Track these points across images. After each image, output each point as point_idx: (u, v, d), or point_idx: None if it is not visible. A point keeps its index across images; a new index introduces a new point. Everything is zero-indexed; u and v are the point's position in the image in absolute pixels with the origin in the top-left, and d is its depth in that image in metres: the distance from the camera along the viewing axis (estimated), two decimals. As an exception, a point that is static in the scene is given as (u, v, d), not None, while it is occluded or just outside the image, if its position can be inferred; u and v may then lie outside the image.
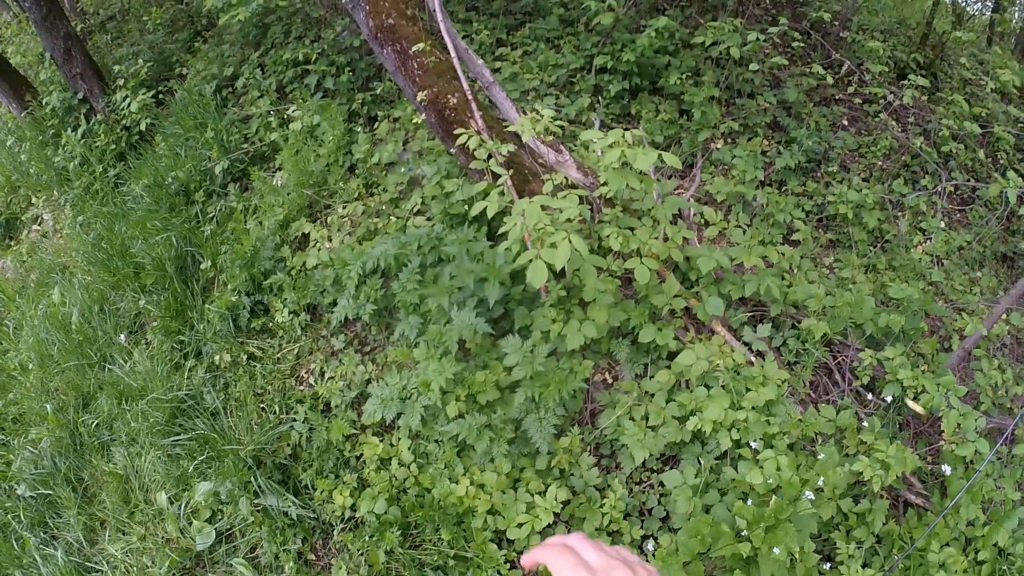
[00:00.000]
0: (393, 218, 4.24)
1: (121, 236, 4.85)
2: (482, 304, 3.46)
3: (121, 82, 5.93)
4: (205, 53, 6.39)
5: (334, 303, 3.95)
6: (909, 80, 4.52)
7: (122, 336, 4.45)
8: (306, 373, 4.01)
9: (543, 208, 2.91)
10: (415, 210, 4.25)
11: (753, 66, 4.65)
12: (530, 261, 2.82)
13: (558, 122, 3.35)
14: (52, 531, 4.04)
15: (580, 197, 3.09)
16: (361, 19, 3.78)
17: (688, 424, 3.10)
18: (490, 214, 3.17)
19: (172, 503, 3.80)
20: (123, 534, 3.85)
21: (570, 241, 2.77)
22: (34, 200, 6.12)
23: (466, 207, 3.91)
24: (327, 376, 3.91)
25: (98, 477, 4.22)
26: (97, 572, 3.74)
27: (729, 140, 4.86)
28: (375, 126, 4.96)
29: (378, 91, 5.15)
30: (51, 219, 5.82)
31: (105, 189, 5.39)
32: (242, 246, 4.21)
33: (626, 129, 3.25)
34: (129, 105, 5.62)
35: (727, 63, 4.92)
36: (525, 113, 3.44)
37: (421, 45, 3.63)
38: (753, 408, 3.10)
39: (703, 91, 4.61)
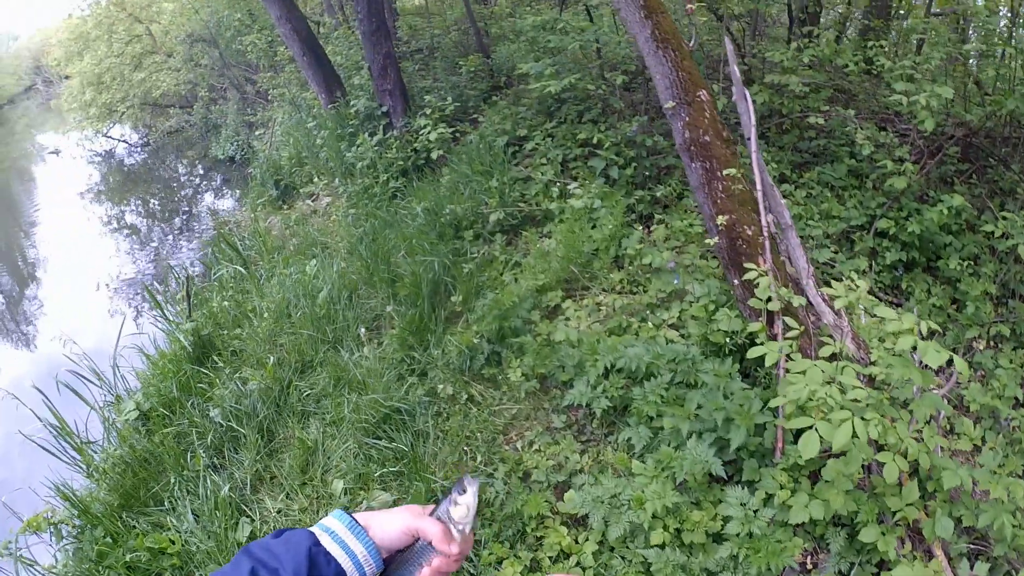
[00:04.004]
0: (649, 323, 4.28)
1: (387, 243, 5.30)
2: (720, 442, 3.38)
3: (428, 111, 6.61)
4: (501, 108, 6.96)
5: (569, 383, 4.01)
6: None
7: (362, 329, 4.80)
8: (516, 436, 4.07)
9: (824, 374, 2.83)
10: (671, 322, 4.28)
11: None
12: (806, 429, 2.73)
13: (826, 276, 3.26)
14: (224, 462, 4.30)
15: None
16: (677, 128, 3.95)
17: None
18: (768, 363, 3.11)
19: (345, 495, 3.94)
20: (287, 497, 4.02)
21: (853, 425, 2.66)
22: (315, 180, 6.87)
23: (727, 339, 3.88)
24: (535, 448, 3.94)
25: (288, 439, 4.48)
26: (248, 518, 3.91)
27: (995, 345, 4.49)
28: (650, 227, 5.11)
29: (658, 193, 5.33)
30: (326, 202, 6.49)
31: (383, 196, 5.95)
32: (501, 298, 4.42)
33: (896, 304, 3.10)
34: (429, 133, 6.23)
35: (1009, 259, 4.60)
36: (812, 263, 3.40)
37: (733, 171, 3.72)
38: None
39: (980, 284, 4.33)
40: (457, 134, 6.63)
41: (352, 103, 7.52)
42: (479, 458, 3.93)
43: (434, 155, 6.14)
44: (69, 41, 15.67)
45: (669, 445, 3.43)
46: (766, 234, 3.61)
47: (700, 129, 3.87)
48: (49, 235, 14.38)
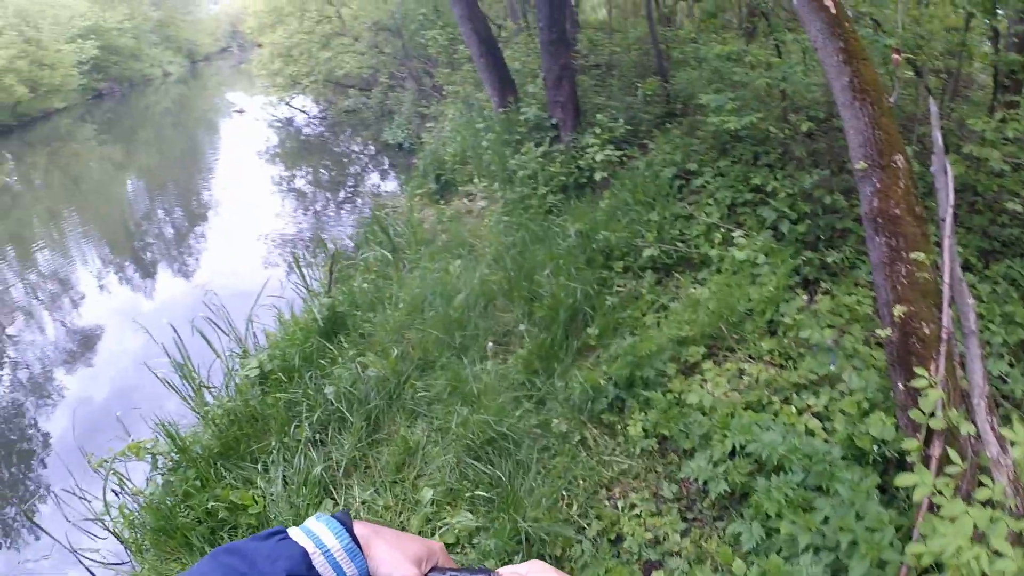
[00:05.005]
0: (793, 407, 3.78)
1: (534, 258, 5.11)
2: (837, 565, 2.92)
3: (597, 130, 6.38)
4: (673, 137, 6.60)
5: (690, 452, 3.66)
6: None
7: (490, 343, 4.63)
8: (620, 494, 3.73)
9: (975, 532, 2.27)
10: (816, 410, 3.75)
11: None
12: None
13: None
14: (326, 440, 4.30)
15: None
16: (866, 193, 3.43)
17: None
18: (916, 498, 2.60)
19: (431, 504, 3.77)
20: (376, 491, 3.92)
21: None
22: (476, 180, 6.86)
23: (875, 447, 3.33)
24: (636, 512, 3.58)
25: (392, 434, 4.39)
26: (333, 500, 3.88)
27: None
28: (814, 295, 4.57)
29: (829, 259, 4.76)
30: (481, 205, 6.45)
31: (538, 208, 5.78)
32: (639, 343, 4.08)
33: None
34: (595, 153, 6.00)
35: None
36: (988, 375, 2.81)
37: (921, 255, 3.16)
38: None
39: None
40: (624, 157, 6.35)
41: (523, 110, 7.45)
42: (575, 507, 3.63)
43: (597, 176, 5.90)
44: (264, 13, 16.92)
45: (780, 553, 3.00)
46: (945, 336, 3.05)
47: (891, 200, 3.34)
48: (224, 184, 15.65)
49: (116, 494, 4.25)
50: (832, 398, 3.71)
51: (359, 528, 0.83)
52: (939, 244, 3.62)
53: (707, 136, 6.33)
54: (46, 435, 6.86)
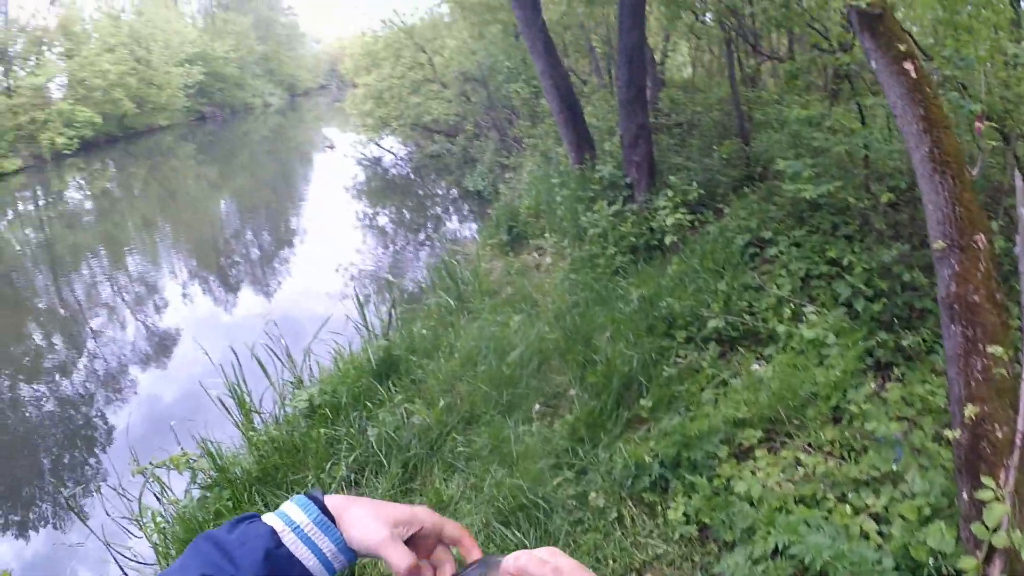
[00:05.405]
0: (848, 506, 3.44)
1: (594, 320, 4.98)
2: None
3: (670, 193, 6.25)
4: (749, 203, 6.37)
5: (731, 546, 3.39)
6: None
7: (537, 405, 4.51)
8: None
9: None
10: (874, 510, 3.40)
11: None
12: None
13: None
14: (361, 481, 4.32)
15: None
16: (943, 276, 3.14)
17: None
18: None
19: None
20: None
21: None
22: (547, 235, 6.84)
23: (931, 560, 2.96)
24: None
25: (426, 485, 4.30)
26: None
27: None
28: (887, 380, 4.22)
29: (904, 342, 4.39)
30: (549, 260, 6.40)
31: (605, 268, 5.68)
32: (689, 423, 3.87)
33: None
34: (667, 216, 5.85)
35: None
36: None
37: (1000, 349, 2.84)
38: None
39: None
40: (696, 222, 6.18)
41: (598, 168, 7.41)
42: None
43: (667, 240, 5.75)
44: (360, 55, 17.81)
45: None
46: (1019, 442, 2.76)
47: (970, 284, 3.05)
48: (310, 214, 16.33)
49: (157, 498, 4.44)
50: (893, 498, 3.37)
51: (332, 500, 0.80)
52: (1021, 330, 3.29)
53: (784, 203, 6.07)
54: (107, 428, 7.28)
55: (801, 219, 5.78)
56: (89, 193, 21.21)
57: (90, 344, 9.63)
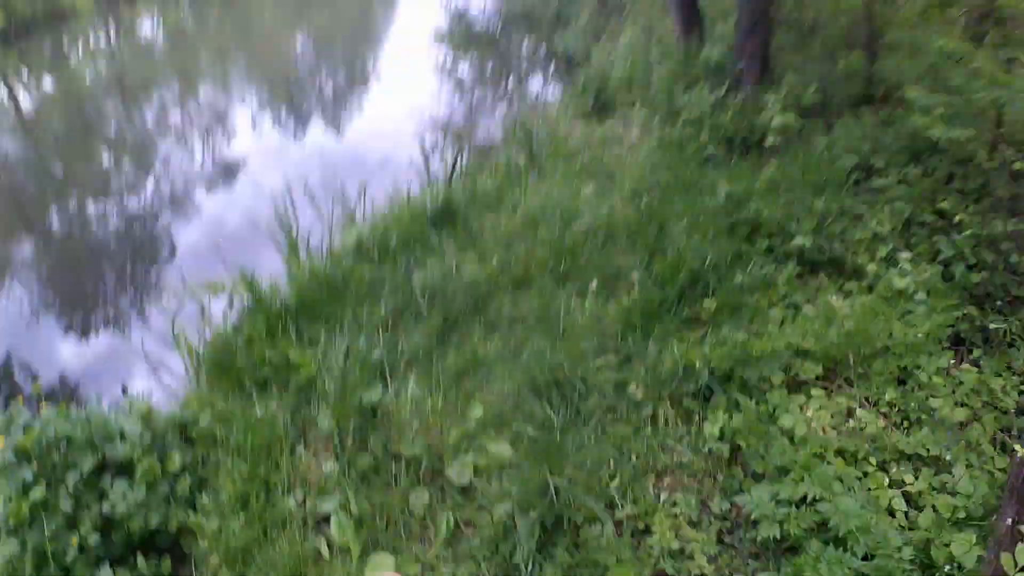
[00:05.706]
0: (887, 476, 3.20)
1: (671, 206, 4.65)
2: None
3: (784, 90, 5.64)
4: (864, 124, 5.75)
5: (759, 477, 3.18)
6: None
7: (595, 282, 4.29)
8: (668, 486, 3.36)
9: None
10: (909, 488, 3.15)
11: None
12: None
13: None
14: (397, 333, 4.19)
15: None
16: None
17: None
18: None
19: (477, 423, 3.58)
20: (429, 391, 3.80)
21: None
22: (636, 107, 6.32)
23: (948, 566, 2.72)
24: (675, 512, 3.20)
25: (464, 339, 4.20)
26: (386, 387, 3.81)
27: None
28: (962, 360, 3.84)
29: (991, 325, 3.93)
30: (635, 134, 5.99)
31: (693, 156, 5.28)
32: (755, 340, 3.61)
33: None
34: (774, 115, 5.31)
35: None
36: None
37: None
38: None
39: None
40: (804, 129, 5.59)
41: (705, 49, 6.74)
42: (616, 481, 3.24)
43: (769, 141, 5.25)
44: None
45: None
46: None
47: None
48: (388, 56, 15.77)
49: (198, 319, 4.51)
50: (931, 485, 3.09)
51: None
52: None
53: (903, 135, 5.43)
54: (162, 249, 7.54)
55: (917, 158, 5.19)
56: (162, 24, 20.78)
57: (157, 168, 9.80)
